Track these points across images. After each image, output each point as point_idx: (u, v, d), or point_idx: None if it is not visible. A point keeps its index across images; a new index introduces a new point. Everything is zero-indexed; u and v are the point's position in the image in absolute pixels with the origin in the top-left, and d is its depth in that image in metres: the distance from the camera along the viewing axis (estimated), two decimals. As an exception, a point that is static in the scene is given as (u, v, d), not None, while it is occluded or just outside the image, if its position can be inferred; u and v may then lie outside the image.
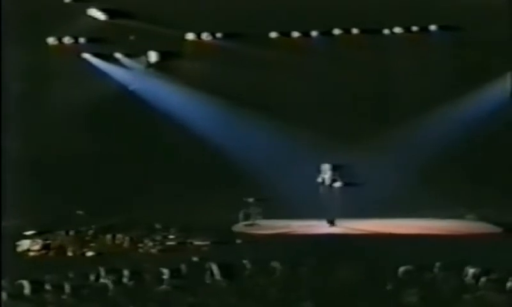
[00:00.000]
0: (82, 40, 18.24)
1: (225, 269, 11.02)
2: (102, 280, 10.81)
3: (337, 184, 17.18)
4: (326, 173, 17.26)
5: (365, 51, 17.73)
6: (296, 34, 18.23)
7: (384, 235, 15.70)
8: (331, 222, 16.88)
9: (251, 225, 16.99)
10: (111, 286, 10.45)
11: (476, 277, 10.52)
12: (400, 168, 17.73)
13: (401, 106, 17.81)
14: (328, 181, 17.21)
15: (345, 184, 17.13)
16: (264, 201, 17.11)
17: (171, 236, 15.34)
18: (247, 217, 17.22)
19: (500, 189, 16.99)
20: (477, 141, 17.41)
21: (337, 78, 17.90)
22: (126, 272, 10.99)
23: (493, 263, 10.86)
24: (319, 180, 17.17)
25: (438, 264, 11.05)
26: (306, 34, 18.20)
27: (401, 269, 10.73)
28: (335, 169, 17.23)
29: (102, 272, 11.09)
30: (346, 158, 17.38)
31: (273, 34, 18.22)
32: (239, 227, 16.87)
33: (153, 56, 18.32)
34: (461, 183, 17.39)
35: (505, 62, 17.37)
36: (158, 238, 15.17)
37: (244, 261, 11.41)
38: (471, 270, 10.66)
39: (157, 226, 15.93)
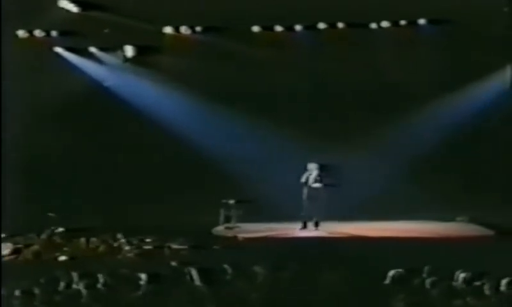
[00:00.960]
0: (54, 33, 18.15)
1: (205, 274, 11.01)
2: (75, 286, 10.76)
3: (316, 185, 17.01)
4: (312, 172, 17.20)
5: (351, 46, 17.77)
6: (279, 28, 18.24)
7: (371, 239, 15.73)
8: (316, 225, 16.87)
9: (232, 228, 17.00)
10: (84, 292, 10.40)
11: (467, 282, 10.56)
12: (388, 168, 17.80)
13: (390, 104, 17.86)
14: (311, 182, 17.14)
15: (326, 185, 16.95)
16: (246, 203, 17.14)
17: (148, 240, 15.31)
18: (228, 219, 17.23)
19: (492, 190, 17.12)
20: (470, 140, 17.51)
21: (322, 74, 17.96)
22: (100, 278, 10.94)
23: (485, 267, 10.91)
24: (303, 179, 17.10)
25: (427, 268, 11.08)
26: (290, 28, 18.22)
27: (389, 274, 10.75)
28: (321, 168, 17.16)
29: (75, 277, 11.05)
30: (331, 157, 17.39)
31: (256, 29, 18.22)
32: (220, 230, 16.90)
33: (129, 50, 18.28)
34: (452, 183, 17.49)
35: (498, 57, 17.45)
36: (134, 241, 15.13)
37: (225, 266, 11.40)
38: (461, 275, 10.70)
39: (134, 228, 15.88)
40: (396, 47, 17.74)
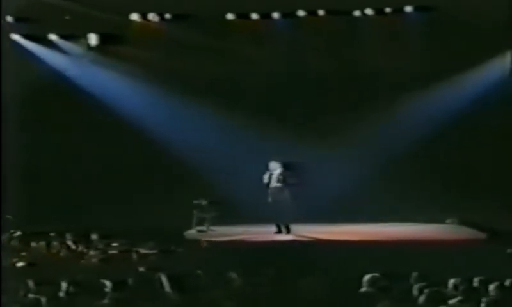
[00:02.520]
0: (9, 19, 18.01)
1: (176, 280, 11.00)
2: (33, 294, 10.70)
3: (277, 184, 16.71)
4: (275, 172, 16.85)
5: (333, 36, 17.79)
6: (255, 16, 18.22)
7: (352, 243, 15.75)
8: (287, 228, 16.75)
9: (205, 231, 16.94)
10: (44, 301, 10.35)
11: (457, 288, 10.61)
12: (371, 165, 17.84)
13: (372, 97, 17.93)
14: (274, 182, 16.79)
15: (287, 185, 16.66)
16: (220, 204, 17.11)
17: (115, 244, 15.26)
18: (201, 221, 17.16)
19: (484, 190, 17.19)
20: (460, 134, 17.57)
21: (301, 66, 17.98)
22: (62, 285, 10.90)
23: (477, 272, 10.98)
24: (265, 180, 16.79)
25: (413, 274, 11.13)
26: (266, 16, 18.21)
27: (371, 280, 10.77)
28: (286, 167, 16.85)
29: (35, 284, 10.98)
30: (308, 154, 17.43)
31: (230, 16, 18.19)
32: (192, 233, 16.82)
33: (93, 39, 18.20)
34: (439, 182, 17.56)
35: (490, 45, 17.50)
36: (99, 246, 15.07)
37: (198, 272, 11.40)
38: (451, 281, 10.76)
39: (98, 232, 15.81)
40: (381, 36, 17.79)
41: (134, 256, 14.54)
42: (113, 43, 18.24)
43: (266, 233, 16.69)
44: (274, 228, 16.85)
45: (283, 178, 16.76)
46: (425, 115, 17.91)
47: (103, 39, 18.20)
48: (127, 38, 18.20)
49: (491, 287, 10.38)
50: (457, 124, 17.58)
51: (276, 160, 16.93)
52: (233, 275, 11.23)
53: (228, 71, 18.02)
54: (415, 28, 17.71)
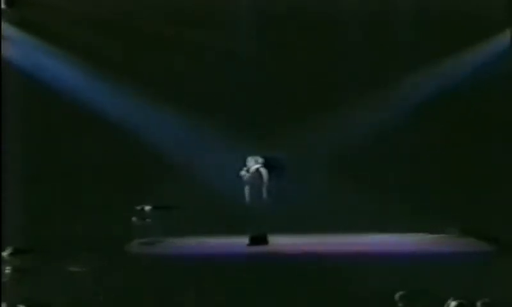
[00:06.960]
0: None
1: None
2: None
3: (251, 182, 16.81)
4: (252, 168, 17.01)
5: (307, 18, 17.85)
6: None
7: (336, 255, 15.74)
8: (264, 239, 16.73)
9: (150, 243, 16.82)
10: None
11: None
12: (354, 165, 17.80)
13: (357, 85, 18.07)
14: (248, 179, 16.90)
15: (261, 184, 16.79)
16: (168, 210, 16.90)
17: (36, 261, 15.10)
18: (144, 232, 16.98)
19: (490, 192, 17.24)
20: (457, 126, 17.64)
21: (267, 53, 17.99)
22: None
23: (483, 292, 11.05)
24: (243, 177, 16.89)
25: (405, 293, 11.21)
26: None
27: (358, 298, 10.84)
28: (267, 163, 17.00)
29: None
30: (278, 153, 17.46)
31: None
32: (134, 246, 16.72)
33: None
34: (436, 184, 17.60)
35: (483, 25, 17.63)
36: (15, 262, 14.90)
37: (141, 294, 11.37)
38: (453, 303, 10.84)
39: (15, 245, 15.64)
40: (367, 13, 17.80)
41: (60, 274, 14.41)
42: (22, 5, 17.98)
43: (229, 244, 16.58)
44: (238, 238, 16.78)
45: (256, 176, 16.93)
46: (419, 104, 18.02)
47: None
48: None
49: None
50: (453, 114, 17.69)
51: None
52: (188, 297, 11.22)
53: (176, 56, 17.93)
54: (406, 4, 17.77)
